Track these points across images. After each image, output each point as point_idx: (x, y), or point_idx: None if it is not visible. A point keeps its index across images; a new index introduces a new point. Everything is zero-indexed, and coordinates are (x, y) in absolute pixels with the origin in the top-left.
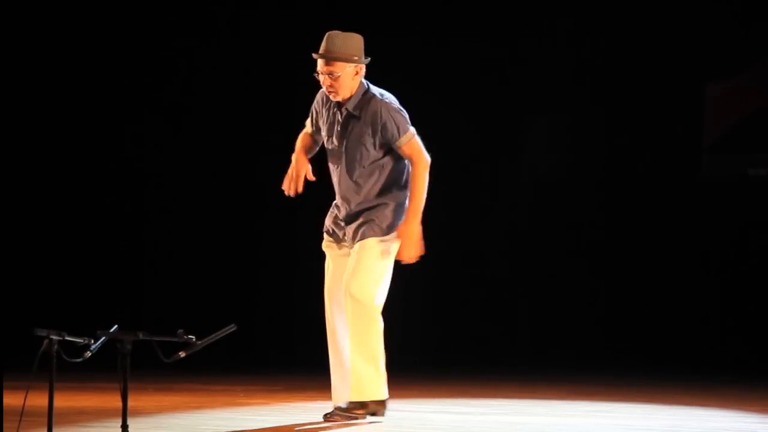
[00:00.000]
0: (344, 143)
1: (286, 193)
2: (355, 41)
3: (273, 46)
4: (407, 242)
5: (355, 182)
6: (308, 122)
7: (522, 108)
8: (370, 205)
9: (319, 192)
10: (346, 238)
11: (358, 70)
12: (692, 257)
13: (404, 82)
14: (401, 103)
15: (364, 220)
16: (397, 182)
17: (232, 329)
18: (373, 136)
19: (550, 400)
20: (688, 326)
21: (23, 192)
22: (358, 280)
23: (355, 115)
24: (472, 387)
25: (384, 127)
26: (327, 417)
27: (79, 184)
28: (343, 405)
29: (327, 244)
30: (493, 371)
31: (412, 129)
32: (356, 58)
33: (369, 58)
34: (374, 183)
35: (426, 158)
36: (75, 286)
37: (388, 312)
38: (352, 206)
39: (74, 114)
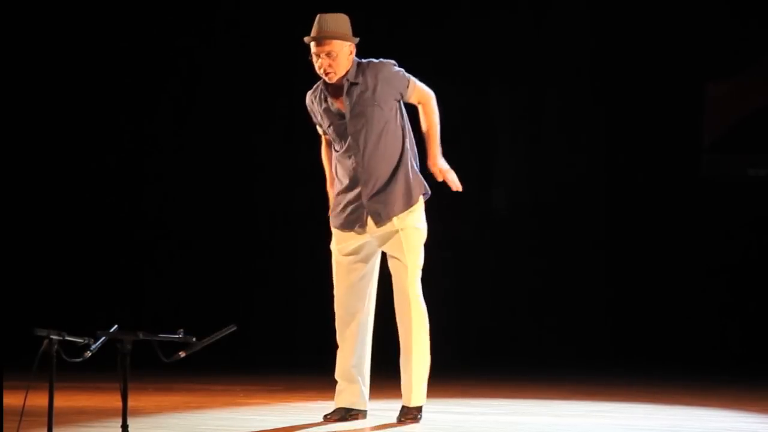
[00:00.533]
0: (355, 112)
1: None
2: (345, 21)
3: (274, 45)
4: (449, 172)
5: (376, 147)
6: (318, 129)
7: (522, 108)
8: (391, 174)
9: (320, 191)
10: (372, 219)
11: (352, 49)
12: (692, 257)
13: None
14: None
15: (390, 193)
16: (405, 145)
17: (232, 329)
18: (383, 90)
19: (551, 400)
20: (688, 326)
21: (23, 192)
22: (415, 285)
23: (357, 83)
24: (472, 387)
25: (390, 81)
26: (327, 417)
27: (79, 184)
28: (348, 407)
29: (339, 240)
30: (493, 371)
31: (410, 76)
32: (349, 36)
33: (358, 38)
34: (392, 145)
35: (431, 93)
36: (75, 286)
37: (389, 314)
38: (375, 177)
39: (74, 114)
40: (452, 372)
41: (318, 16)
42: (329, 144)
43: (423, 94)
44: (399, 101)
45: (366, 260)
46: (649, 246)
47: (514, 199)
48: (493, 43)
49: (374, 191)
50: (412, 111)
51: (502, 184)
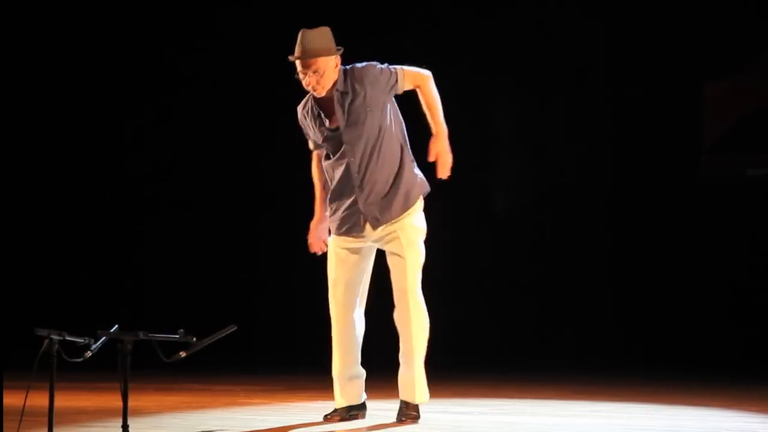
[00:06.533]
0: (350, 121)
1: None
2: (327, 34)
3: (274, 44)
4: (444, 158)
5: (374, 154)
6: (310, 143)
7: (523, 110)
8: (389, 178)
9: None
10: (370, 224)
11: (337, 61)
12: (692, 257)
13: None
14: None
15: (388, 197)
16: (403, 146)
17: (232, 329)
18: (373, 94)
19: (551, 400)
20: (688, 326)
21: (23, 192)
22: (415, 281)
23: (347, 92)
24: (473, 387)
25: (377, 82)
26: (327, 417)
27: (79, 184)
28: (348, 405)
29: (338, 244)
30: (493, 371)
31: (396, 66)
32: (333, 49)
33: (342, 48)
34: (390, 150)
35: (424, 73)
36: (75, 286)
37: (388, 311)
38: (372, 183)
39: (73, 114)
40: (452, 372)
41: (300, 33)
42: (320, 160)
43: (416, 77)
44: (392, 100)
45: (364, 257)
46: (649, 246)
47: (515, 200)
48: (497, 44)
49: (372, 196)
50: (405, 101)
51: (503, 186)
